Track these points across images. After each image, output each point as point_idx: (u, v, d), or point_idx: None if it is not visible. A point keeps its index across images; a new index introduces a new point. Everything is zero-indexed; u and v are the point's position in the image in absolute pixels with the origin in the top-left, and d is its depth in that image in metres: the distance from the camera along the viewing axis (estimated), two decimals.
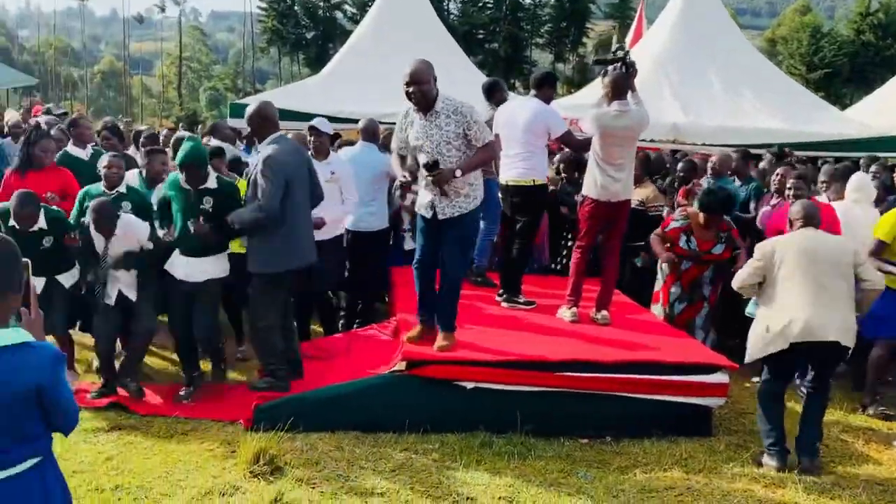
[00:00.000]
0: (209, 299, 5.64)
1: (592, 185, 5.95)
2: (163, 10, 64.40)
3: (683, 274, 6.49)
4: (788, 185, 6.54)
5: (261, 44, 49.31)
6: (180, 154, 5.42)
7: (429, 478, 4.40)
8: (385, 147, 7.34)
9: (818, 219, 5.06)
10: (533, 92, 6.32)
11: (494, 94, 6.80)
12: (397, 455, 4.70)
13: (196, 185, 5.42)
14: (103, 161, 5.91)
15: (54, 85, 64.00)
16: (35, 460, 2.34)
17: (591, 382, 5.10)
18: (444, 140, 4.96)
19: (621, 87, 5.82)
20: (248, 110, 5.51)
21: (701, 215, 6.37)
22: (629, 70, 5.82)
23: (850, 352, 4.87)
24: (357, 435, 4.95)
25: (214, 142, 7.80)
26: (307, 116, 10.27)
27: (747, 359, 5.01)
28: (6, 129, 9.36)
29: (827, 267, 4.82)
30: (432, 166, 4.88)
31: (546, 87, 6.32)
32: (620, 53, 5.98)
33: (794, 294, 4.79)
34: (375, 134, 7.30)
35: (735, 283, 5.14)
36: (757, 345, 4.92)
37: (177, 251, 5.57)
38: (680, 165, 8.04)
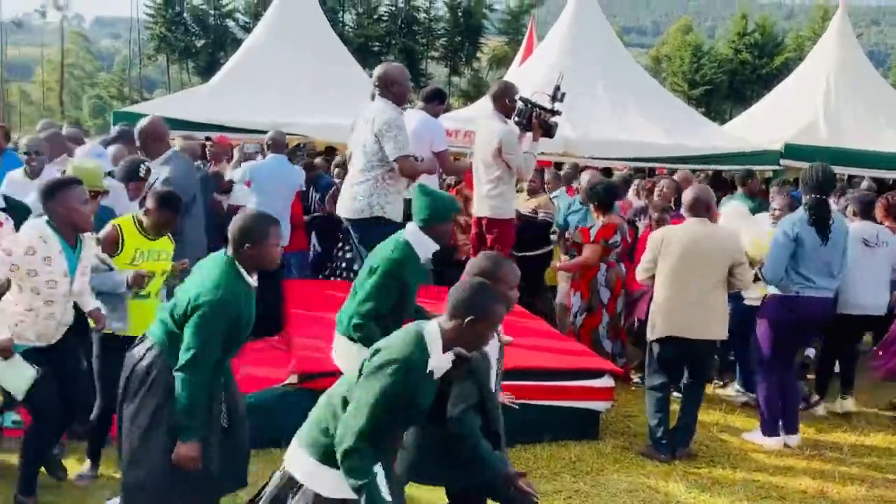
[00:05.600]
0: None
1: None
2: (44, 14, 61.68)
3: (581, 281, 6.65)
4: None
5: (148, 51, 47.81)
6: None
7: None
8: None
9: (710, 207, 5.19)
10: (421, 105, 6.44)
11: None
12: None
13: None
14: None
15: None
16: None
17: None
18: None
19: (497, 99, 5.99)
20: (138, 127, 5.38)
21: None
22: (537, 118, 5.87)
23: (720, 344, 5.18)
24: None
25: None
26: (198, 126, 10.11)
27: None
28: None
29: (707, 260, 5.02)
30: None
31: (435, 103, 6.44)
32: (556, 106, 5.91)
33: (672, 287, 5.04)
34: (285, 146, 7.29)
35: (638, 277, 5.43)
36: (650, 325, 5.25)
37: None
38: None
